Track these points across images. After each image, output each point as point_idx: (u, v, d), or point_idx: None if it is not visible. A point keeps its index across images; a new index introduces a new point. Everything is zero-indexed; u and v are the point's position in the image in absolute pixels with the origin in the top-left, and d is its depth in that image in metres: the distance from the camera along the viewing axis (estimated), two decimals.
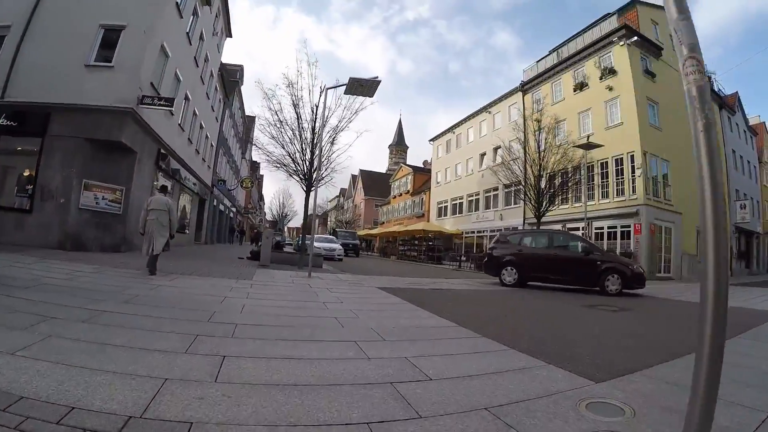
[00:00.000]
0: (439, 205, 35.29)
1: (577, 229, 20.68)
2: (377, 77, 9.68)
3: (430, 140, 38.60)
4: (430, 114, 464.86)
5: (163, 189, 8.26)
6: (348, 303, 5.88)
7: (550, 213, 21.80)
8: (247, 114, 32.98)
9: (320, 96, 11.37)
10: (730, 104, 24.51)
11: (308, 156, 12.54)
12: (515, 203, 25.17)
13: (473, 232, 29.52)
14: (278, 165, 13.06)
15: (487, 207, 28.19)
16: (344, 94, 10.74)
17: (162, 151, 13.66)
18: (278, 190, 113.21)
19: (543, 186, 16.33)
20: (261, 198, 76.45)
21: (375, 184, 60.17)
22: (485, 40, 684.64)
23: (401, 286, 8.94)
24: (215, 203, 27.25)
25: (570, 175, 17.05)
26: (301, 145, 12.72)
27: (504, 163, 18.28)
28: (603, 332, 4.86)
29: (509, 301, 7.77)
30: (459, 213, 32.02)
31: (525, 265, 10.24)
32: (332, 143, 13.02)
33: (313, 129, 12.24)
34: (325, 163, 13.23)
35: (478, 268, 18.60)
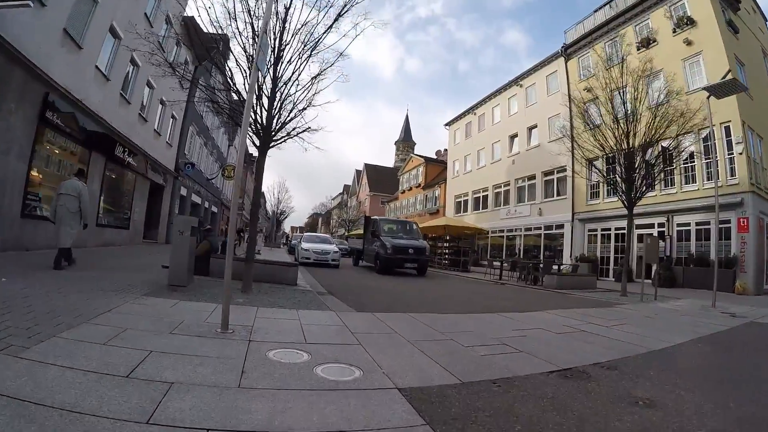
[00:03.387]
0: (458, 199, 30.72)
1: (652, 226, 16.17)
2: None
3: (446, 125, 34.00)
4: (439, 114, 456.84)
5: (80, 173, 7.12)
6: None
7: (605, 206, 17.17)
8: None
9: None
10: None
11: (268, 84, 6.40)
12: (559, 194, 20.67)
13: (502, 231, 24.89)
14: (214, 105, 7.18)
15: (521, 200, 23.55)
16: None
17: (52, 97, 9.07)
18: (273, 183, 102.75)
19: (637, 161, 11.23)
20: (261, 193, 72.33)
21: (381, 179, 55.83)
22: (495, 38, 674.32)
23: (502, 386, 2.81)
24: (183, 193, 21.77)
25: (672, 145, 11.95)
26: (252, 58, 5.86)
27: (585, 130, 12.79)
28: None
29: None
30: (483, 208, 27.43)
31: None
32: (311, 54, 6.54)
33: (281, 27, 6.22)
34: (293, 99, 6.68)
35: (530, 280, 14.11)
